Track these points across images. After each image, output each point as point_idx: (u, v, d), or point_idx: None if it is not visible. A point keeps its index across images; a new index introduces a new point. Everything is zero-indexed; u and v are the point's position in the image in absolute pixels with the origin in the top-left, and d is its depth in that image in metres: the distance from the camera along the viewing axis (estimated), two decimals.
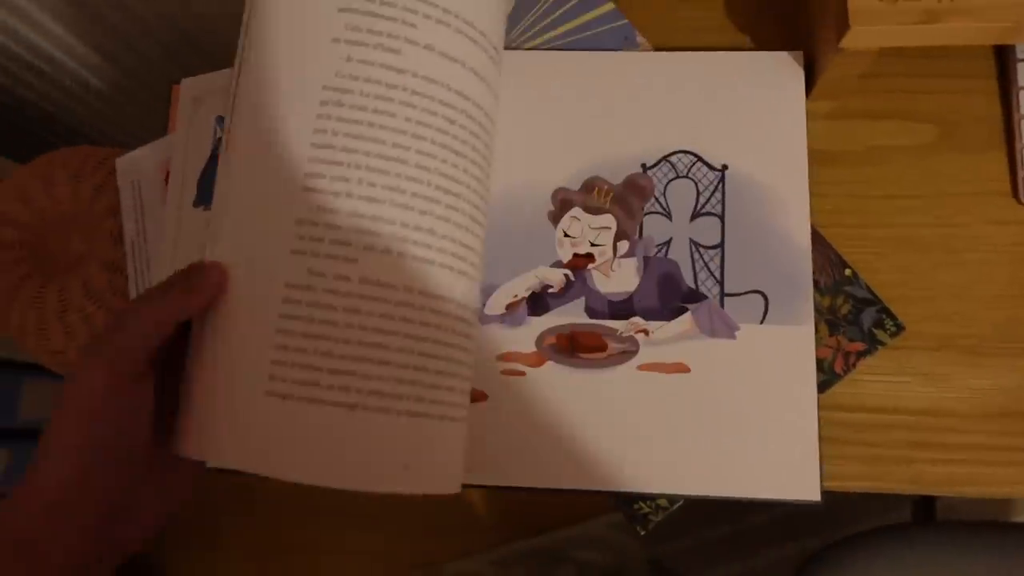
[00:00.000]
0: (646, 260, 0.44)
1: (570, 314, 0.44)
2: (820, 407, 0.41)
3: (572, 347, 0.44)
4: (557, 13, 0.48)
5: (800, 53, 0.45)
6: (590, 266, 0.44)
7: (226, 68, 0.53)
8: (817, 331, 0.43)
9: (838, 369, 0.43)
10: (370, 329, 0.35)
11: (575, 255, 0.45)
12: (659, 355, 0.43)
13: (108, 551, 0.32)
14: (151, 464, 0.34)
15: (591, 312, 0.44)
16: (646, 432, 0.42)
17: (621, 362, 0.43)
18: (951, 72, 0.46)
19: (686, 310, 0.43)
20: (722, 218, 0.44)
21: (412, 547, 1.25)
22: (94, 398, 0.31)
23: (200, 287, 0.34)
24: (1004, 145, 0.45)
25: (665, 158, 0.45)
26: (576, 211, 0.45)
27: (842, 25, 0.38)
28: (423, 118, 0.36)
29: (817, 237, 0.44)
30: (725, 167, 0.45)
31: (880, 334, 0.43)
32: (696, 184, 0.45)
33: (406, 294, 0.36)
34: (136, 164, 0.56)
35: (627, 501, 0.43)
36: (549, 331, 0.44)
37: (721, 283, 0.44)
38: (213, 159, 0.52)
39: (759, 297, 0.43)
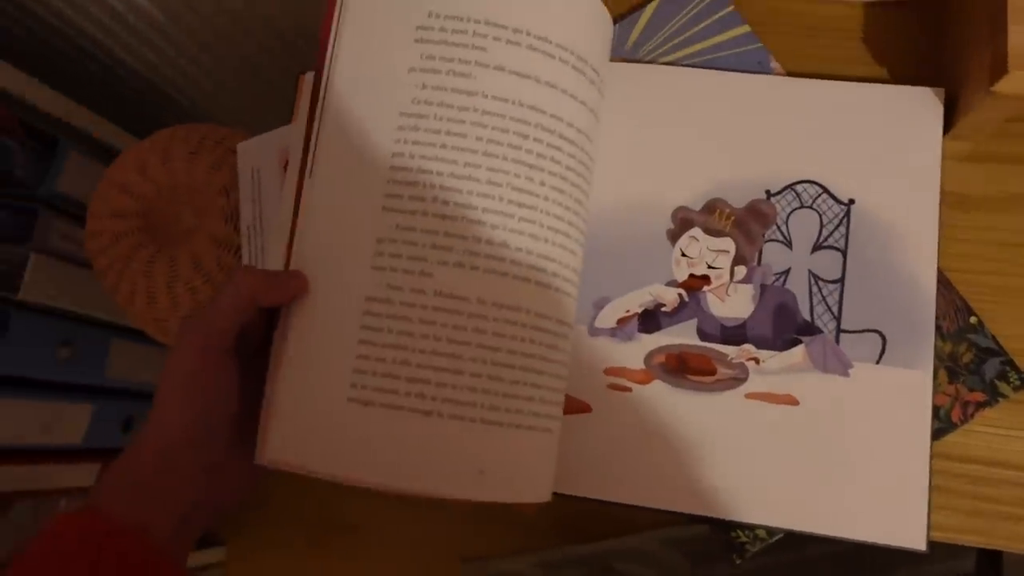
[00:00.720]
0: (763, 288, 0.44)
1: (681, 334, 0.44)
2: (932, 455, 0.40)
3: (681, 368, 0.43)
4: (692, 31, 0.48)
5: (941, 90, 0.44)
6: (705, 288, 0.44)
7: None
8: (936, 377, 0.42)
9: (955, 418, 0.42)
10: (444, 339, 0.37)
11: (691, 276, 0.44)
12: (768, 385, 0.43)
13: (207, 503, 0.36)
14: (240, 439, 0.37)
15: (702, 335, 0.44)
16: (749, 461, 0.42)
17: (729, 388, 0.43)
18: None
19: (800, 342, 0.43)
20: (844, 253, 0.44)
21: (461, 539, 1.26)
22: (189, 361, 0.35)
23: (282, 283, 0.37)
24: None
25: (790, 186, 0.45)
26: (696, 231, 0.45)
27: (999, 68, 0.37)
28: (494, 136, 0.38)
29: (943, 281, 0.43)
30: (852, 201, 0.44)
31: (1003, 386, 0.42)
32: (820, 216, 0.44)
33: (478, 306, 0.37)
34: (257, 150, 0.57)
35: (724, 527, 0.43)
36: (659, 349, 0.44)
37: (838, 318, 0.43)
38: None
39: (877, 336, 0.42)
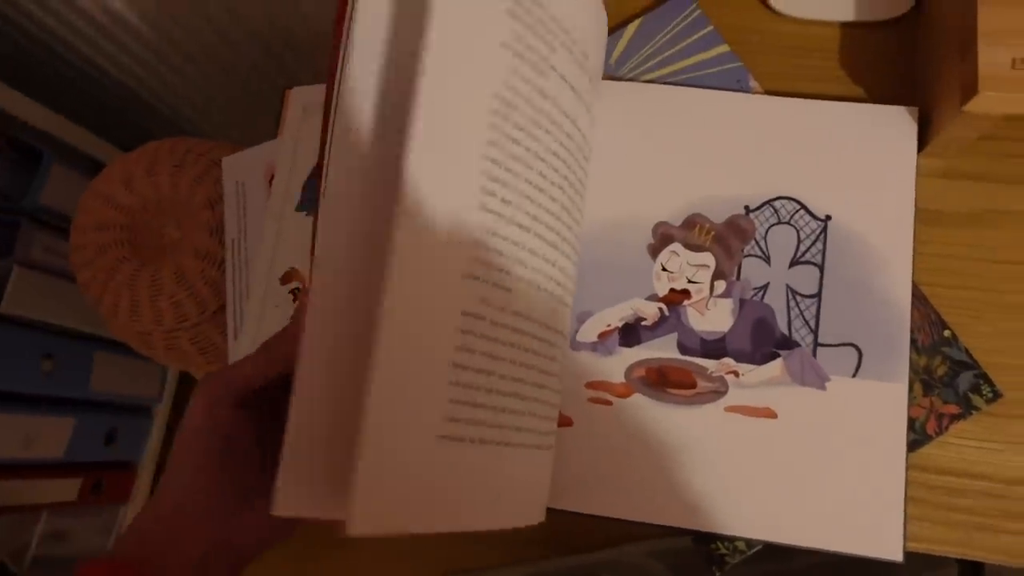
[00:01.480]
0: (742, 302, 0.45)
1: (661, 348, 0.44)
2: (908, 466, 0.41)
3: (661, 381, 0.44)
4: (674, 49, 0.49)
5: (915, 109, 0.45)
6: (686, 302, 0.45)
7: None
8: (911, 390, 0.42)
9: (930, 430, 0.43)
10: (518, 363, 0.35)
11: (671, 290, 0.45)
12: (747, 398, 0.43)
13: (226, 553, 0.36)
14: (259, 488, 0.35)
15: (682, 348, 0.44)
16: (728, 473, 0.42)
17: (709, 401, 0.44)
18: None
19: (778, 356, 0.44)
20: (821, 268, 0.44)
21: (446, 552, 1.26)
22: (199, 418, 0.36)
23: (277, 357, 0.37)
24: None
25: (769, 202, 0.45)
26: (676, 246, 0.45)
27: (969, 89, 0.38)
28: (555, 147, 0.38)
29: (918, 295, 0.44)
30: (829, 217, 0.45)
31: (976, 399, 0.43)
32: (798, 232, 0.45)
33: (527, 323, 0.36)
34: (242, 164, 0.58)
35: (704, 539, 0.43)
36: (639, 363, 0.44)
37: (815, 332, 0.44)
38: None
39: (853, 350, 0.43)
